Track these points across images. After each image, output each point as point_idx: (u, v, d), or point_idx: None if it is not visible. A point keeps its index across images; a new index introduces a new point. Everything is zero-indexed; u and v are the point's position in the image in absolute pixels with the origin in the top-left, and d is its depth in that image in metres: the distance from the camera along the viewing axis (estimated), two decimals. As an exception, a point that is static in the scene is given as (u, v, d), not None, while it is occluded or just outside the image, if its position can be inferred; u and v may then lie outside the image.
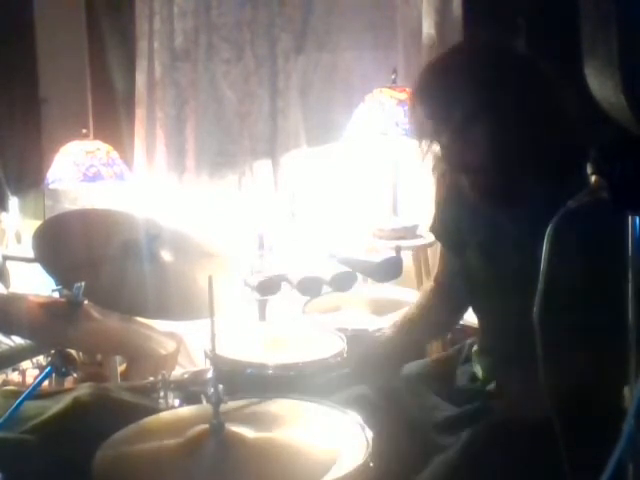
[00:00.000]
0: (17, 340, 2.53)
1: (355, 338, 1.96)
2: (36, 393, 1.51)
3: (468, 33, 2.70)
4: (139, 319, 1.88)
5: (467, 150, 1.41)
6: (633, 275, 0.94)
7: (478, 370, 1.60)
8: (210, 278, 1.22)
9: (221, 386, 1.24)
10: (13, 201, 3.44)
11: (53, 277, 1.69)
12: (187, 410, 1.45)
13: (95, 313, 1.62)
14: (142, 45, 3.35)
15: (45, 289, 2.06)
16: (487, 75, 1.38)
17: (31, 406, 1.53)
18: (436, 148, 1.47)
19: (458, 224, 1.61)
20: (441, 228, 1.69)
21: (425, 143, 1.48)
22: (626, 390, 1.00)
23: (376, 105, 2.71)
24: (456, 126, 1.40)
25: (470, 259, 1.59)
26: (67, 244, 1.76)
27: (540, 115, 1.37)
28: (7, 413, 1.39)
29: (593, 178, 0.92)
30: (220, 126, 3.34)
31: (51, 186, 3.21)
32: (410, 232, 2.83)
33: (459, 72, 1.42)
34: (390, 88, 2.74)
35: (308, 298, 2.18)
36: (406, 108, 2.68)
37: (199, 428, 1.22)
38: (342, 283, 1.77)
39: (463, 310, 1.82)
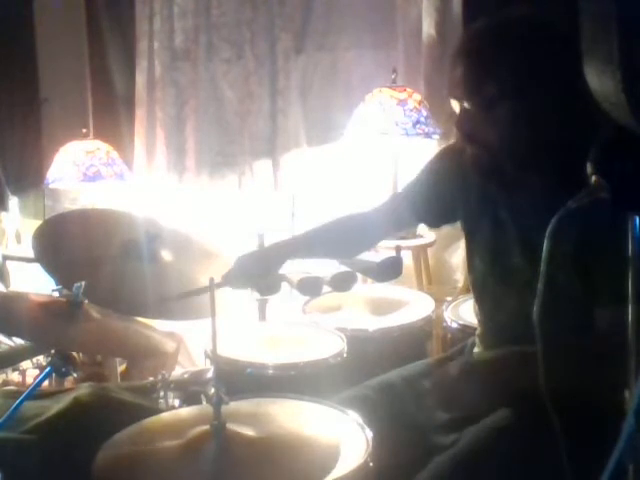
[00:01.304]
0: (17, 340, 2.53)
1: (355, 338, 1.96)
2: (36, 393, 1.51)
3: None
4: (139, 319, 1.88)
5: (484, 125, 1.38)
6: (633, 275, 0.94)
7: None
8: (211, 279, 1.22)
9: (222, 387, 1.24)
10: (13, 201, 3.43)
11: (53, 277, 1.69)
12: (188, 411, 1.45)
13: (95, 313, 1.62)
14: (142, 45, 3.35)
15: (45, 289, 2.05)
16: (535, 62, 1.32)
17: (31, 406, 1.53)
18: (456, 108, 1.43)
19: (454, 208, 1.60)
20: (419, 195, 1.67)
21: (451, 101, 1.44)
22: (626, 390, 1.00)
23: (376, 105, 2.71)
24: (484, 101, 1.36)
25: (476, 258, 1.59)
26: (67, 244, 1.76)
27: (571, 113, 1.32)
28: (7, 413, 1.39)
29: (593, 178, 0.92)
30: (220, 126, 3.34)
31: (51, 186, 3.21)
32: (410, 232, 2.83)
33: (510, 49, 1.35)
34: (390, 88, 2.74)
35: (308, 298, 2.19)
36: (405, 108, 2.68)
37: (200, 429, 1.22)
38: (342, 283, 1.77)
39: (387, 233, 1.86)
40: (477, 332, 1.64)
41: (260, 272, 1.66)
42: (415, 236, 2.86)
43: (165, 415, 1.43)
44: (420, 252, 2.87)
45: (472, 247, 1.60)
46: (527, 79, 1.33)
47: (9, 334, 2.40)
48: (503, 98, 1.35)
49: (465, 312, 2.09)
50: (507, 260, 1.49)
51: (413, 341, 2.08)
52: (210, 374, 1.76)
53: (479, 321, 1.64)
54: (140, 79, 3.37)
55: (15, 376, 2.82)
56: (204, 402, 1.61)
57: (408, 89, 2.75)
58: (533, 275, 1.07)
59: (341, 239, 1.80)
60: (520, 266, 1.45)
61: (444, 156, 1.64)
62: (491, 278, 1.54)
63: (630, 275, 0.94)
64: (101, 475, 1.16)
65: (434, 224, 1.82)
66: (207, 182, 3.37)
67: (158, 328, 1.99)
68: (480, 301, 1.62)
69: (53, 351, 1.43)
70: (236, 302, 1.79)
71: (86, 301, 1.58)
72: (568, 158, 1.29)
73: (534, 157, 1.39)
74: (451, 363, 1.70)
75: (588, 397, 1.33)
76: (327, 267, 1.84)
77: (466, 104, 1.40)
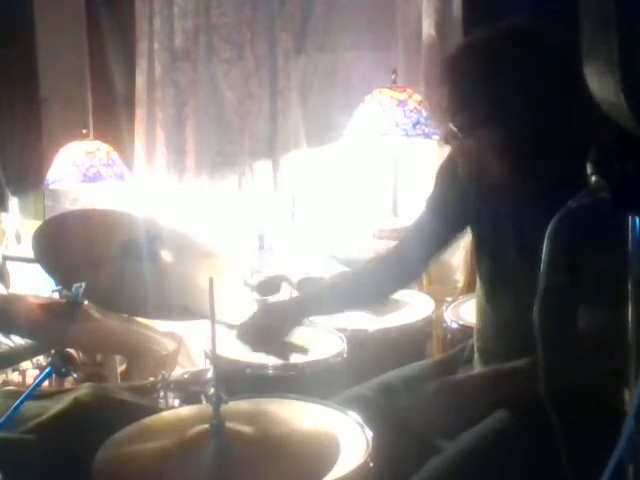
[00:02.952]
0: (17, 340, 2.53)
1: (355, 338, 1.96)
2: (36, 393, 1.51)
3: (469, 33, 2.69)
4: (139, 319, 1.88)
5: (469, 146, 1.40)
6: (633, 275, 0.94)
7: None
8: (211, 279, 1.22)
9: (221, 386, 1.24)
10: (13, 201, 3.43)
11: (53, 277, 1.69)
12: (187, 410, 1.45)
13: (95, 313, 1.62)
14: (142, 45, 3.35)
15: (45, 289, 2.05)
16: (519, 86, 1.32)
17: (31, 406, 1.53)
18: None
19: (462, 202, 1.60)
20: (441, 202, 1.65)
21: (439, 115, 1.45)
22: (626, 390, 1.00)
23: (376, 105, 2.71)
24: (461, 126, 1.38)
25: (481, 258, 1.59)
26: (67, 244, 1.76)
27: (557, 122, 1.33)
28: (7, 413, 1.39)
29: (593, 178, 0.92)
30: (220, 126, 3.34)
31: (51, 186, 3.21)
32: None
33: (492, 79, 1.35)
34: (390, 88, 2.74)
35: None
36: (406, 108, 2.68)
37: (199, 428, 1.22)
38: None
39: (399, 285, 1.81)
40: (475, 333, 1.64)
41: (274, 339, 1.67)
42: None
43: (165, 414, 1.43)
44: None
45: (476, 247, 1.61)
46: (505, 107, 1.33)
47: (9, 333, 2.40)
48: (481, 125, 1.36)
49: (465, 312, 2.09)
50: (506, 260, 1.49)
51: (413, 341, 2.08)
52: (210, 374, 1.76)
53: (478, 321, 1.64)
54: (140, 79, 3.37)
55: (15, 376, 2.82)
56: (204, 402, 1.61)
57: (408, 90, 2.75)
58: (531, 274, 1.08)
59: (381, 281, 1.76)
60: (518, 266, 1.45)
61: (449, 160, 1.63)
62: (493, 278, 1.55)
63: (630, 275, 0.94)
64: (101, 475, 1.16)
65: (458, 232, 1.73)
66: (207, 182, 3.37)
67: (158, 328, 1.99)
68: (484, 300, 1.62)
69: (53, 351, 1.43)
70: (236, 302, 1.79)
71: (86, 301, 1.58)
72: (566, 160, 1.30)
73: (524, 170, 1.39)
74: (449, 361, 1.70)
75: (588, 398, 1.33)
76: (327, 267, 1.84)
77: (452, 122, 1.41)
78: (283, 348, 1.69)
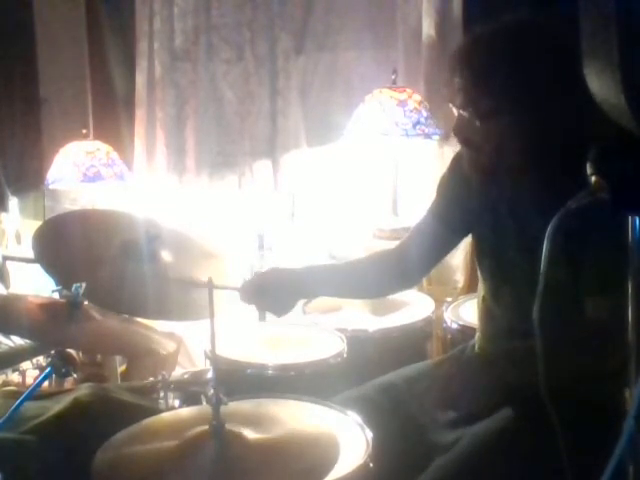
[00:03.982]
0: (17, 340, 2.53)
1: (355, 338, 1.96)
2: (36, 394, 1.51)
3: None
4: (139, 319, 1.88)
5: (480, 133, 1.40)
6: (633, 275, 0.94)
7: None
8: (211, 279, 1.22)
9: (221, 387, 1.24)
10: (13, 201, 3.43)
11: (53, 278, 1.68)
12: (187, 411, 1.45)
13: (95, 313, 1.62)
14: (142, 45, 3.35)
15: (45, 290, 2.05)
16: (532, 74, 1.33)
17: (31, 406, 1.53)
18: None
19: (464, 210, 1.60)
20: (445, 209, 1.64)
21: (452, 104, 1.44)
22: (626, 390, 1.00)
23: (376, 105, 2.71)
24: (480, 113, 1.37)
25: (481, 257, 1.59)
26: (67, 244, 1.75)
27: (559, 114, 1.33)
28: (7, 413, 1.39)
29: (593, 179, 0.92)
30: (220, 126, 3.34)
31: (51, 186, 3.21)
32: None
33: (505, 64, 1.34)
34: (390, 88, 2.74)
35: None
36: (406, 108, 2.68)
37: (199, 429, 1.22)
38: None
39: (399, 287, 1.81)
40: (477, 333, 1.64)
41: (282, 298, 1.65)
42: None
43: (165, 415, 1.43)
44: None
45: (476, 247, 1.61)
46: (523, 93, 1.33)
47: (9, 334, 2.40)
48: (499, 112, 1.36)
49: (465, 313, 2.09)
50: (506, 259, 1.49)
51: (413, 342, 2.08)
52: (210, 374, 1.76)
53: (479, 321, 1.64)
54: (140, 79, 3.37)
55: (15, 377, 2.82)
56: (204, 402, 1.61)
57: (408, 90, 2.74)
58: (531, 272, 1.08)
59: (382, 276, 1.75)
60: (518, 263, 1.45)
61: (450, 169, 1.63)
62: (494, 277, 1.55)
63: (630, 275, 0.94)
64: (101, 475, 1.16)
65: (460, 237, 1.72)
66: (207, 182, 3.37)
67: (158, 328, 1.99)
68: (485, 300, 1.62)
69: (53, 352, 1.43)
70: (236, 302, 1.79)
71: (86, 302, 1.58)
72: (568, 158, 1.30)
73: (531, 162, 1.39)
74: (450, 362, 1.70)
75: (588, 397, 1.33)
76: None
77: (462, 112, 1.41)
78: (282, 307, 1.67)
